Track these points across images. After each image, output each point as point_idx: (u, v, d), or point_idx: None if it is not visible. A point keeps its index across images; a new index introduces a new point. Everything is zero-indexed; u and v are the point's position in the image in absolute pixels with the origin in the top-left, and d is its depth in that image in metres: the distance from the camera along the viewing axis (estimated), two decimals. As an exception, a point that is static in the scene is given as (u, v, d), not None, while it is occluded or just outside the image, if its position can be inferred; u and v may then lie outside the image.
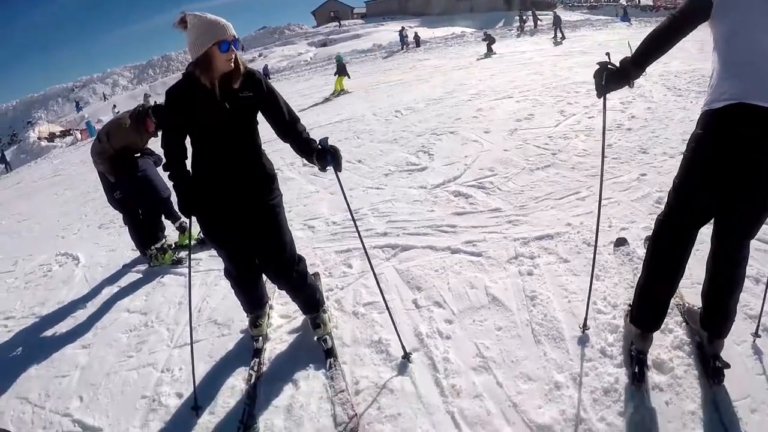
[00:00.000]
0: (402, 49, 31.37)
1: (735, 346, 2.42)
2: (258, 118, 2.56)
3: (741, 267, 2.22)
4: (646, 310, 2.38)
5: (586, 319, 2.72)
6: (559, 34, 22.62)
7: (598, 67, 2.30)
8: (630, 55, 2.25)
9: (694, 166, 2.18)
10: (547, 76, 11.14)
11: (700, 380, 2.33)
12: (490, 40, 21.74)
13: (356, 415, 2.41)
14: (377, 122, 9.22)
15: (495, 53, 20.43)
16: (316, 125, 9.49)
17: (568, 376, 2.46)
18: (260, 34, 60.30)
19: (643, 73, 2.30)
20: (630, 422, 2.19)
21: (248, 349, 3.04)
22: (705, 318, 2.34)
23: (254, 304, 3.02)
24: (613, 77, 2.27)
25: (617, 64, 2.27)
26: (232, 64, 2.33)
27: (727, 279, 2.23)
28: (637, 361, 2.39)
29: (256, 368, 2.83)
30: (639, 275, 2.44)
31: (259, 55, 43.77)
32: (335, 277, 3.72)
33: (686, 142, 2.22)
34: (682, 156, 2.25)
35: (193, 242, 4.37)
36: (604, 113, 2.56)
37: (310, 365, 2.80)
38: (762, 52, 1.99)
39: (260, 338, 3.02)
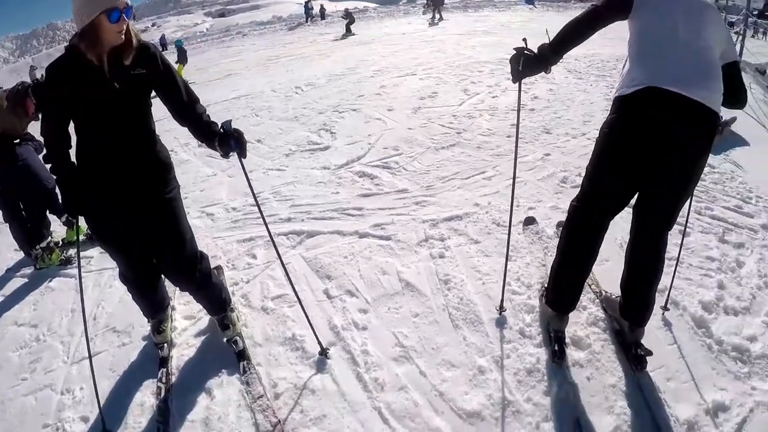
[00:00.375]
0: (307, 21, 30.54)
1: (646, 319, 2.50)
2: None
3: (661, 258, 2.27)
4: (561, 293, 2.44)
5: (502, 300, 2.72)
6: (437, 15, 21.69)
7: (514, 52, 2.28)
8: (548, 42, 2.26)
9: (604, 152, 2.23)
10: (450, 54, 11.22)
11: (617, 354, 2.41)
12: (350, 20, 20.91)
13: (279, 421, 2.23)
14: (277, 99, 8.84)
15: (355, 34, 19.48)
16: (212, 102, 8.95)
17: (490, 359, 2.44)
18: (154, 2, 56.78)
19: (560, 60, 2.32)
20: (555, 400, 2.23)
21: (153, 358, 2.71)
22: (625, 307, 2.39)
23: (155, 308, 2.69)
24: (530, 63, 2.26)
25: (535, 50, 2.26)
26: (123, 37, 2.00)
27: (648, 270, 2.28)
28: (555, 340, 2.43)
29: (164, 380, 2.54)
30: (553, 257, 2.47)
31: (153, 25, 41.24)
32: (239, 270, 3.45)
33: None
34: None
35: (82, 238, 3.90)
36: (519, 98, 2.58)
37: (223, 371, 2.56)
38: (672, 41, 2.08)
39: (165, 345, 2.70)
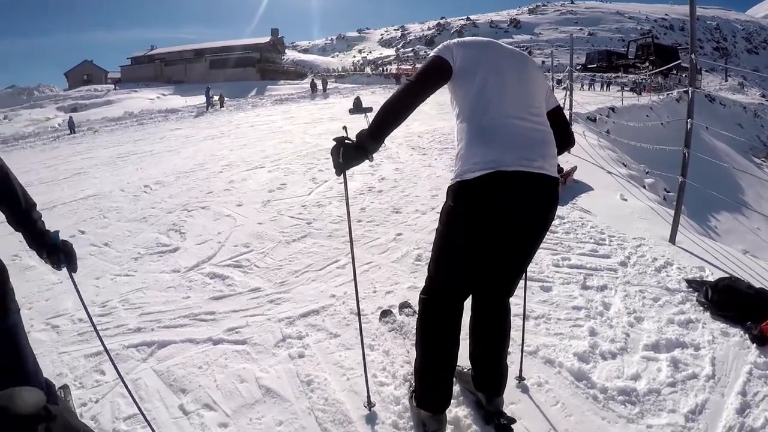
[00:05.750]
0: (208, 109, 31.26)
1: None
2: None
3: (506, 325, 2.26)
4: (432, 392, 2.23)
5: (368, 394, 2.55)
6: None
7: (334, 143, 2.08)
8: (366, 128, 2.07)
9: (452, 240, 2.13)
10: (297, 144, 11.45)
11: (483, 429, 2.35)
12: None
13: None
14: (125, 199, 8.23)
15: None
16: (59, 202, 8.14)
17: (365, 460, 2.25)
18: (7, 94, 52.45)
19: (383, 145, 2.17)
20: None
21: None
22: (478, 379, 2.33)
23: None
24: (349, 153, 2.04)
25: (354, 139, 2.06)
26: None
27: (494, 340, 2.25)
28: None
29: None
30: (414, 340, 2.34)
31: (4, 118, 38.21)
32: (87, 388, 2.97)
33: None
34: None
35: None
36: (346, 190, 2.44)
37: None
38: (506, 110, 2.06)
39: None
